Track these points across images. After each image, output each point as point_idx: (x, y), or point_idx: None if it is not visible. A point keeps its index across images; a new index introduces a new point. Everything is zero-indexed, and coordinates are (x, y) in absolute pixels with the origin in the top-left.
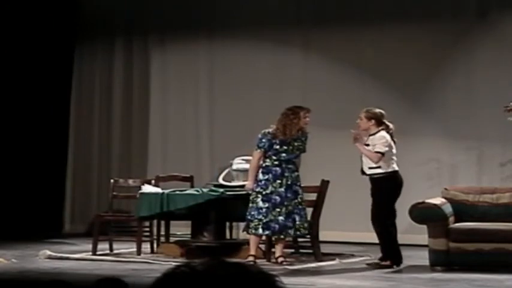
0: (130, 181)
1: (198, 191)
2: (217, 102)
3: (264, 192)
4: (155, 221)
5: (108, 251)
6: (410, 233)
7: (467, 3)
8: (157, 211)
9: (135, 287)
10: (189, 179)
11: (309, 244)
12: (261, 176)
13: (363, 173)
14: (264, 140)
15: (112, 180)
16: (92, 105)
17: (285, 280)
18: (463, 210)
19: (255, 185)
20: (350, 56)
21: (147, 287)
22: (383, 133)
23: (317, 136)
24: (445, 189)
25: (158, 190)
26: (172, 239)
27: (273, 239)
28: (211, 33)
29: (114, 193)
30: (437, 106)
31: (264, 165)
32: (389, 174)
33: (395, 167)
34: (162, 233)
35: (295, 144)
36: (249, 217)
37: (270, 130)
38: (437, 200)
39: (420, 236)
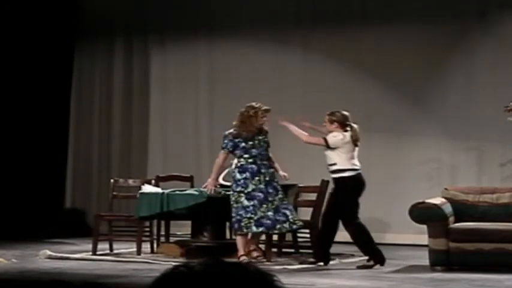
0: (131, 181)
1: (198, 191)
2: (217, 102)
3: (245, 191)
4: (155, 221)
5: (108, 251)
6: (411, 233)
7: (467, 3)
8: (157, 211)
9: (135, 287)
10: (189, 179)
11: (309, 244)
12: (238, 176)
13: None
14: (226, 141)
15: (112, 180)
16: (92, 105)
17: (285, 280)
18: (463, 210)
19: (235, 185)
20: (350, 56)
21: (146, 287)
22: (339, 133)
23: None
24: (445, 189)
25: (158, 190)
26: (172, 239)
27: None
28: (211, 33)
29: (114, 193)
30: (438, 106)
31: (239, 164)
32: (347, 173)
33: (354, 166)
34: (162, 233)
35: (260, 138)
36: (237, 217)
37: (231, 130)
38: (437, 200)
39: (420, 236)
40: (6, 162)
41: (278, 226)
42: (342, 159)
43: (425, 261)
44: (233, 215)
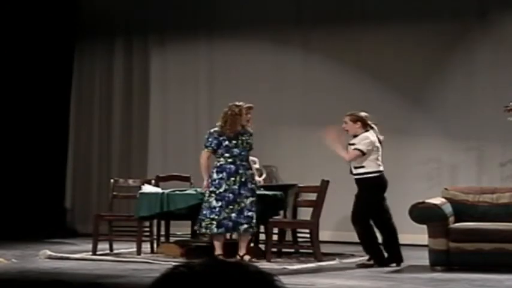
0: (131, 181)
1: (198, 190)
2: (217, 102)
3: (217, 191)
4: (155, 221)
5: (108, 251)
6: (411, 233)
7: (467, 3)
8: (157, 211)
9: (135, 287)
10: (189, 179)
11: (309, 244)
12: (215, 176)
13: (351, 172)
14: (210, 139)
15: (112, 180)
16: (92, 105)
17: (285, 280)
18: (463, 210)
19: (210, 184)
20: (350, 56)
21: (146, 287)
22: (367, 134)
23: (317, 136)
24: (445, 189)
25: (158, 190)
26: (172, 239)
27: (233, 236)
28: (211, 33)
29: (114, 193)
30: (437, 106)
31: (218, 164)
32: (373, 174)
33: (380, 168)
34: (162, 233)
35: (243, 138)
36: (201, 217)
37: (216, 129)
38: (437, 200)
39: (420, 236)
40: (7, 162)
41: (237, 228)
42: (370, 161)
43: (425, 261)
44: (200, 214)
